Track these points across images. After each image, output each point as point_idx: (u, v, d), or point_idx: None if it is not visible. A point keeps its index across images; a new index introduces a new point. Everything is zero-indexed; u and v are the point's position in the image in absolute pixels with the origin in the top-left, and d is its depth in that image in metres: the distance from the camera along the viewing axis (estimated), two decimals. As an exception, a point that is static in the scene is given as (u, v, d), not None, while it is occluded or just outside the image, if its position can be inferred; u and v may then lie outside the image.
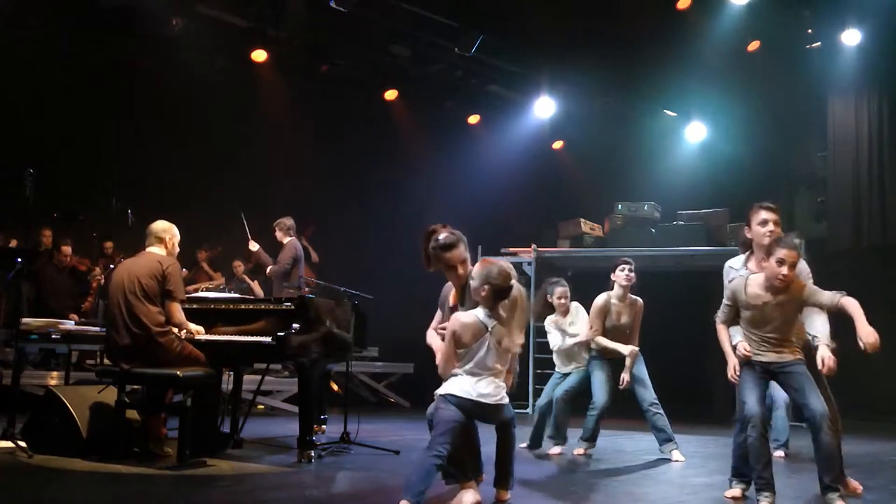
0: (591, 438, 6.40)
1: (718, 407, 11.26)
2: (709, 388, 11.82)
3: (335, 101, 11.81)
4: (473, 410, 3.95)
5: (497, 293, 3.95)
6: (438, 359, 4.13)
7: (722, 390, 11.06)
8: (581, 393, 6.47)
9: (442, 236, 4.43)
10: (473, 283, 4.02)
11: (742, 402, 4.22)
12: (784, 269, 4.04)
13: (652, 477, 5.44)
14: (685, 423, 8.68)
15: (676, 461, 6.08)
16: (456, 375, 3.98)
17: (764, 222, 4.52)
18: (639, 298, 6.49)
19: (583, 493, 4.72)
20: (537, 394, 7.29)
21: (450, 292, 4.52)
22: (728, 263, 4.79)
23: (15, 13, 8.82)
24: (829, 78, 11.51)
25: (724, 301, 4.36)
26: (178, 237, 5.49)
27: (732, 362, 4.30)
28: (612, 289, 6.38)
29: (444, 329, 4.17)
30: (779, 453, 6.46)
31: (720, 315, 4.38)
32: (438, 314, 4.59)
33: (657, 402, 6.25)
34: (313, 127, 11.44)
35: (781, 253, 4.06)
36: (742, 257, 4.75)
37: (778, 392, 6.67)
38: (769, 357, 4.22)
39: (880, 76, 11.25)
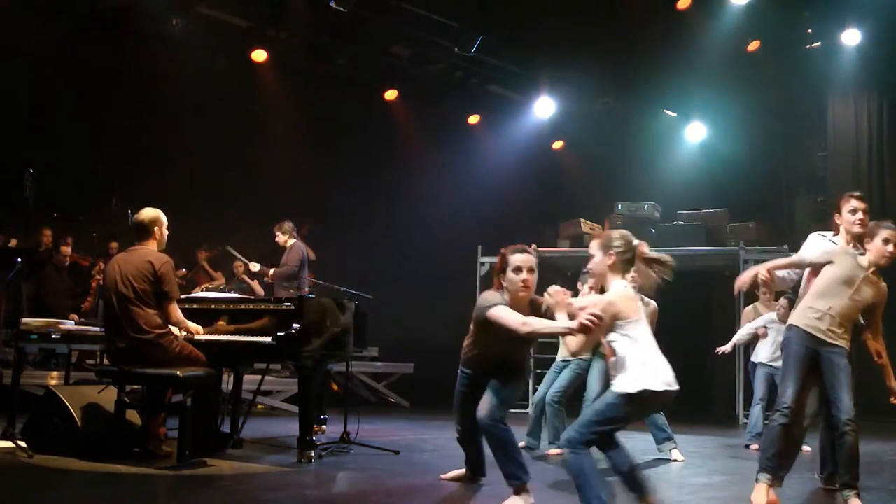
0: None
1: (718, 407, 11.27)
2: (709, 388, 11.83)
3: (335, 101, 11.81)
4: (659, 404, 3.64)
5: (624, 256, 3.57)
6: (574, 340, 3.60)
7: (722, 390, 11.09)
8: (572, 392, 6.48)
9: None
10: (595, 259, 3.61)
11: (783, 388, 4.35)
12: (890, 247, 4.34)
13: (652, 477, 5.42)
14: (685, 423, 8.69)
15: (675, 461, 6.08)
16: (634, 361, 3.39)
17: (854, 210, 4.69)
18: (652, 301, 6.44)
19: (582, 493, 4.71)
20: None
21: (495, 302, 4.17)
22: (818, 232, 4.94)
23: (15, 14, 8.82)
24: (829, 78, 11.50)
25: (818, 254, 4.54)
26: (165, 223, 5.36)
27: (756, 271, 4.51)
28: None
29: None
30: (754, 445, 6.62)
31: (804, 254, 4.63)
32: (508, 312, 4.07)
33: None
34: (313, 127, 11.45)
35: (886, 233, 4.37)
36: (830, 232, 4.87)
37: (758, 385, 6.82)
38: (827, 336, 4.29)
39: (880, 76, 11.24)
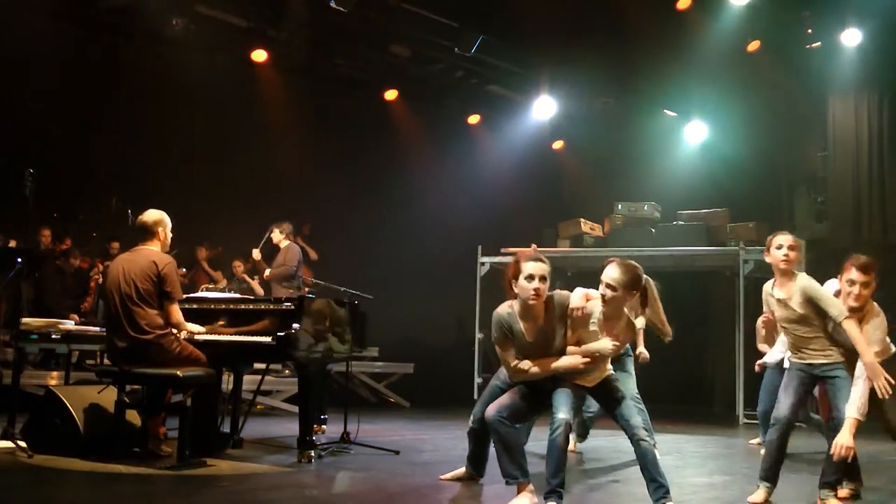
0: (583, 434, 6.40)
1: (718, 407, 11.27)
2: (709, 388, 11.84)
3: (335, 101, 11.81)
4: None
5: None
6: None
7: (722, 391, 11.10)
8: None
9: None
10: (615, 293, 4.14)
11: (777, 400, 4.48)
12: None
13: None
14: (685, 423, 8.70)
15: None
16: None
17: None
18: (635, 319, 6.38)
19: (583, 493, 4.72)
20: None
21: (498, 335, 4.30)
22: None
23: (15, 14, 8.81)
24: (829, 78, 11.50)
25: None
26: (169, 225, 5.40)
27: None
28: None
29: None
30: None
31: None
32: (507, 352, 4.27)
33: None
34: (313, 126, 11.44)
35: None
36: None
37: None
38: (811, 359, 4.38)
39: (880, 76, 11.25)
